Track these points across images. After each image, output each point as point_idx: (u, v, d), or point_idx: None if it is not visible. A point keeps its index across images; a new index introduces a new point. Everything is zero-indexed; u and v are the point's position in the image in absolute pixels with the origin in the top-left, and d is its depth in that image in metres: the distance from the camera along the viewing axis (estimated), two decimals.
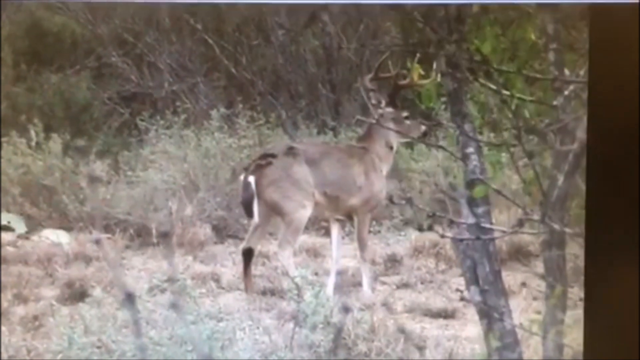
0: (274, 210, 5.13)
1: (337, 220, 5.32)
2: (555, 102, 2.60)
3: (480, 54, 2.63)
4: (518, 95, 2.58)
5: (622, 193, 1.79)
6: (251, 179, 5.17)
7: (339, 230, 5.32)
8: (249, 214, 5.19)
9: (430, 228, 3.05)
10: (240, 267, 5.27)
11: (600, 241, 1.79)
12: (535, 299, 4.74)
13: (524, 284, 5.03)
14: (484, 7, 2.87)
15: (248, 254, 5.12)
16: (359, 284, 5.22)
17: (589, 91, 1.80)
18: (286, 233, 5.08)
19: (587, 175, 1.78)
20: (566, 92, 2.59)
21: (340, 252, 5.33)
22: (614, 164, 1.79)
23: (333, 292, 4.98)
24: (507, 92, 2.57)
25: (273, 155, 5.23)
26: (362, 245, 5.22)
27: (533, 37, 2.75)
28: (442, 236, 3.05)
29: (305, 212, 5.11)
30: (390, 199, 2.94)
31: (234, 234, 5.99)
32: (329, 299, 4.15)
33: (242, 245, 5.22)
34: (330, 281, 5.09)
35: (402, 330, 4.09)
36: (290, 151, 5.24)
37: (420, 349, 3.79)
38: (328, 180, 5.20)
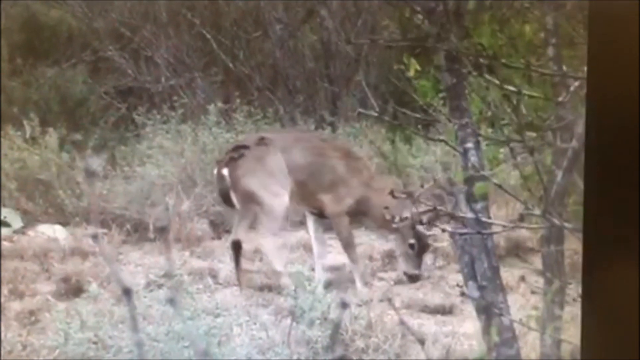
0: (252, 201, 5.04)
1: (312, 214, 5.22)
2: (560, 99, 2.59)
3: (483, 48, 2.61)
4: (524, 91, 2.57)
5: (621, 187, 1.77)
6: (225, 171, 5.10)
7: (315, 224, 5.21)
8: (229, 205, 5.14)
9: (429, 223, 3.03)
10: None
11: (599, 236, 1.77)
12: (533, 293, 4.72)
13: (522, 280, 5.01)
14: (481, 3, 2.85)
15: (236, 247, 5.06)
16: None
17: (588, 86, 1.78)
18: (267, 222, 5.00)
19: (585, 169, 1.76)
20: (572, 88, 2.57)
21: (323, 247, 5.21)
22: (613, 158, 1.77)
23: (325, 288, 4.87)
24: (513, 88, 2.55)
25: (245, 147, 5.16)
26: (346, 247, 5.07)
27: (531, 33, 2.73)
28: (443, 230, 3.03)
29: (282, 200, 5.01)
30: (391, 193, 2.90)
31: (231, 229, 5.97)
32: (325, 295, 4.12)
33: (230, 238, 5.17)
34: (317, 277, 4.81)
35: (402, 323, 4.06)
36: (262, 141, 5.15)
37: (422, 342, 3.76)
38: (298, 165, 5.08)
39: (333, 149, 5.21)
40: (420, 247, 5.06)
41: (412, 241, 5.02)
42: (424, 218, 4.77)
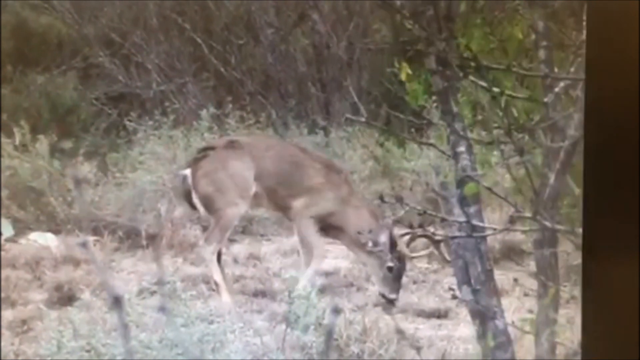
0: (205, 204, 4.95)
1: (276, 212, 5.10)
2: (546, 100, 2.59)
3: (470, 51, 2.61)
4: (513, 93, 2.56)
5: (620, 188, 1.76)
6: (187, 171, 5.01)
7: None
8: (192, 207, 5.05)
9: (421, 226, 3.03)
10: (230, 269, 5.23)
11: (598, 237, 1.76)
12: (527, 295, 4.71)
13: (516, 283, 5.00)
14: (472, 7, 2.85)
15: (217, 255, 4.94)
16: (351, 284, 5.18)
17: (586, 86, 1.77)
18: (215, 228, 4.91)
19: (585, 170, 1.75)
20: (557, 89, 2.57)
21: (309, 254, 4.99)
22: (611, 158, 1.76)
23: (319, 293, 4.77)
24: (498, 90, 2.55)
25: (212, 148, 5.08)
26: (307, 251, 4.93)
27: (521, 35, 2.73)
28: (433, 234, 3.02)
29: (237, 210, 4.92)
30: (380, 198, 2.87)
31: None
32: (319, 300, 4.10)
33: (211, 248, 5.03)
34: (304, 283, 4.59)
35: (399, 331, 4.05)
36: (231, 144, 5.05)
37: (418, 349, 3.76)
38: (269, 172, 4.97)
39: (312, 160, 5.09)
40: (398, 270, 4.87)
41: (390, 264, 4.84)
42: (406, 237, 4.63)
